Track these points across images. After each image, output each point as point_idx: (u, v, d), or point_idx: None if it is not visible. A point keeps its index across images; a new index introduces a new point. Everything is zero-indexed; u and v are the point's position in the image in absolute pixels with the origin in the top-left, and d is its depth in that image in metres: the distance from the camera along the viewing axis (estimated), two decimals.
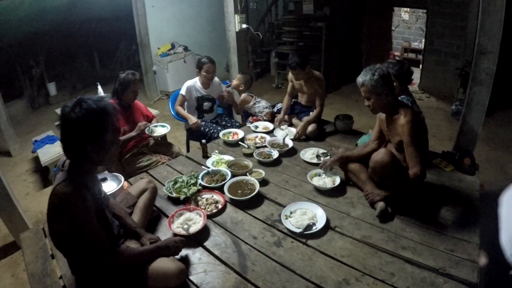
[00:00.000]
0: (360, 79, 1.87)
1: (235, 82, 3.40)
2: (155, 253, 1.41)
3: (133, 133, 2.54)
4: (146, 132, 2.63)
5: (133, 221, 1.64)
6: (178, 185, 2.09)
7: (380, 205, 1.81)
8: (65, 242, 1.29)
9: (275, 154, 2.46)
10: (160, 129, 2.75)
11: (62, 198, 1.19)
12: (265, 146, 2.61)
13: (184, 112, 3.03)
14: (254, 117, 3.26)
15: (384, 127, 2.03)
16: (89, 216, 1.23)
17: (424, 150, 1.90)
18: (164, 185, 2.12)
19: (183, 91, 3.03)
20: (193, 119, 2.95)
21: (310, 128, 2.79)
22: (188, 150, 3.32)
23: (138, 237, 1.58)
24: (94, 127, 1.22)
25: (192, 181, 2.12)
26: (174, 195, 2.02)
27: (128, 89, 2.50)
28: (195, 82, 3.07)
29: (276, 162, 2.44)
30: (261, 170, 2.25)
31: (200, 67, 2.99)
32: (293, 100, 3.22)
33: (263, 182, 2.18)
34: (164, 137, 3.05)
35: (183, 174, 2.26)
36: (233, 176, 2.20)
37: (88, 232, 1.23)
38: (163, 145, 2.85)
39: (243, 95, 3.35)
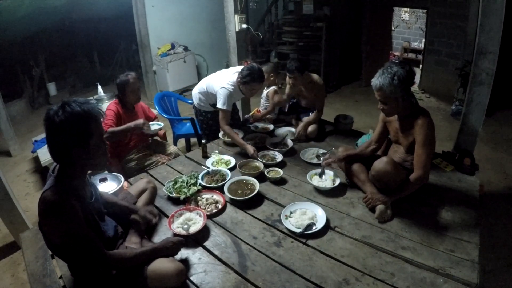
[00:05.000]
0: (377, 82, 1.75)
1: (266, 76, 2.91)
2: (152, 254, 1.41)
3: (130, 124, 2.43)
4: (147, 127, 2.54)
5: (126, 201, 1.65)
6: (178, 185, 2.09)
7: (380, 207, 1.80)
8: (57, 248, 1.29)
9: (279, 157, 2.43)
10: (154, 126, 2.67)
11: (48, 207, 1.17)
12: (267, 148, 2.58)
13: (238, 138, 2.57)
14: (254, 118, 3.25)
15: (393, 129, 1.98)
16: (77, 223, 1.20)
17: (431, 157, 1.85)
18: (164, 185, 2.12)
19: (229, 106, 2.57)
20: (250, 149, 2.43)
21: (310, 128, 2.79)
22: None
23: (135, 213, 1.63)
24: (78, 131, 1.19)
25: (192, 181, 2.12)
26: (174, 195, 2.02)
27: (126, 90, 2.47)
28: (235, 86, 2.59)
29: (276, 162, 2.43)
30: (278, 169, 2.25)
31: (246, 82, 2.49)
32: (293, 100, 3.21)
33: (262, 182, 2.18)
34: (163, 136, 3.06)
35: (183, 174, 2.26)
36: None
37: (78, 239, 1.21)
38: (162, 145, 2.85)
39: (274, 88, 3.12)
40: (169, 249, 1.46)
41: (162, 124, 2.76)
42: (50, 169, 1.32)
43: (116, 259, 1.32)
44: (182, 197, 1.98)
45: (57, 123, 1.16)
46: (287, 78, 2.96)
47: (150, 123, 2.70)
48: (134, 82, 2.48)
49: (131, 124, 2.43)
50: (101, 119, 1.28)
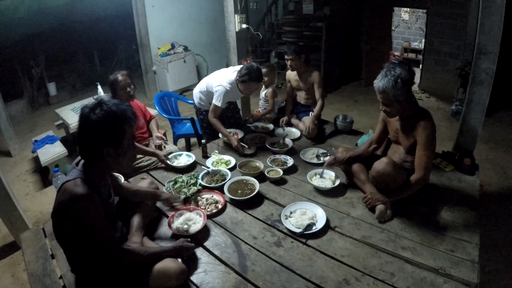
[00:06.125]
0: (380, 85, 1.73)
1: (265, 80, 2.94)
2: (163, 255, 1.43)
3: (148, 150, 2.40)
4: (168, 162, 2.42)
5: (145, 188, 1.75)
6: (178, 185, 2.09)
7: (380, 207, 1.80)
8: (70, 240, 1.29)
9: (290, 161, 2.37)
10: (184, 159, 2.49)
11: (72, 198, 1.17)
12: (271, 150, 2.57)
13: (224, 130, 2.66)
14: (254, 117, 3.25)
15: (393, 128, 1.98)
16: (99, 217, 1.23)
17: (432, 159, 1.85)
18: (164, 185, 2.12)
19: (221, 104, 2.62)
20: (234, 141, 2.56)
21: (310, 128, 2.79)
22: None
23: (157, 198, 1.77)
24: (113, 130, 1.21)
25: (192, 181, 2.12)
26: None
27: (117, 88, 2.44)
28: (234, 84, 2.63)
29: None
30: (279, 169, 2.25)
31: (244, 81, 2.54)
32: (280, 104, 3.25)
33: (262, 182, 2.18)
34: (163, 136, 3.04)
35: (183, 174, 2.26)
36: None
37: (98, 232, 1.23)
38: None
39: (272, 88, 3.13)
40: (180, 253, 1.49)
41: (193, 157, 2.49)
42: (74, 162, 1.32)
43: (131, 255, 1.34)
44: (182, 197, 1.98)
45: (93, 120, 1.18)
46: (287, 74, 3.03)
47: (179, 152, 2.56)
48: (122, 79, 2.44)
49: (149, 150, 2.41)
50: (135, 122, 1.30)
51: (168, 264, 1.39)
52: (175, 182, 2.13)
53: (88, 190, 1.20)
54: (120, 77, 2.43)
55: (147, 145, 2.73)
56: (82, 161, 1.29)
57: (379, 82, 1.74)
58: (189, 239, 1.59)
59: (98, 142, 1.21)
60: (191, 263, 1.56)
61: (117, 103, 1.25)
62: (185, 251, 1.52)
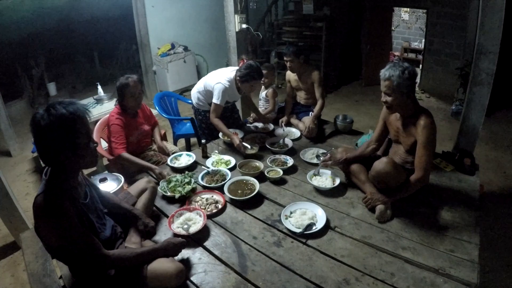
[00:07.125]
0: (386, 72, 1.77)
1: (265, 81, 3.05)
2: (152, 254, 1.40)
3: (146, 164, 2.32)
4: (169, 164, 2.43)
5: (127, 203, 1.66)
6: (172, 184, 2.08)
7: (380, 207, 1.80)
8: (55, 250, 1.29)
9: (290, 161, 2.37)
10: (184, 159, 2.51)
11: (40, 211, 1.17)
12: (272, 150, 2.57)
13: (226, 130, 2.63)
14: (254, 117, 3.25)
15: (394, 128, 1.98)
16: (71, 225, 1.19)
17: (432, 159, 1.86)
18: (159, 184, 2.11)
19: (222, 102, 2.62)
20: (236, 140, 2.54)
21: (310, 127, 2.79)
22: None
23: (136, 221, 1.62)
24: (64, 132, 1.17)
25: (186, 180, 2.11)
26: (169, 193, 2.02)
27: (125, 94, 2.35)
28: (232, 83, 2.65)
29: None
30: (279, 169, 2.25)
31: (246, 80, 2.56)
32: (280, 104, 3.27)
33: (262, 182, 2.18)
34: (163, 136, 3.04)
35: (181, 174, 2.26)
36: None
37: (73, 240, 1.20)
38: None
39: (272, 88, 3.15)
40: (170, 250, 1.45)
41: (194, 156, 2.51)
42: (43, 172, 1.29)
43: (115, 259, 1.31)
44: (177, 195, 1.98)
45: (43, 126, 1.15)
46: (286, 74, 3.04)
47: (179, 153, 2.57)
48: (134, 86, 2.33)
49: (147, 164, 2.32)
50: (88, 118, 1.26)
51: (166, 264, 1.38)
52: (169, 181, 2.12)
53: (54, 200, 1.17)
54: (131, 84, 2.32)
55: (150, 150, 2.71)
56: (49, 169, 1.26)
57: (386, 71, 1.78)
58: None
59: (52, 147, 1.18)
60: (191, 263, 1.56)
61: (68, 103, 1.20)
62: (176, 247, 1.47)
